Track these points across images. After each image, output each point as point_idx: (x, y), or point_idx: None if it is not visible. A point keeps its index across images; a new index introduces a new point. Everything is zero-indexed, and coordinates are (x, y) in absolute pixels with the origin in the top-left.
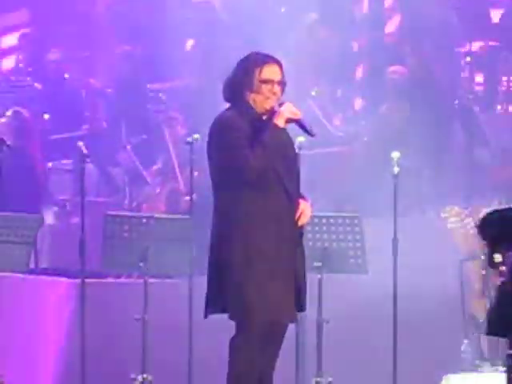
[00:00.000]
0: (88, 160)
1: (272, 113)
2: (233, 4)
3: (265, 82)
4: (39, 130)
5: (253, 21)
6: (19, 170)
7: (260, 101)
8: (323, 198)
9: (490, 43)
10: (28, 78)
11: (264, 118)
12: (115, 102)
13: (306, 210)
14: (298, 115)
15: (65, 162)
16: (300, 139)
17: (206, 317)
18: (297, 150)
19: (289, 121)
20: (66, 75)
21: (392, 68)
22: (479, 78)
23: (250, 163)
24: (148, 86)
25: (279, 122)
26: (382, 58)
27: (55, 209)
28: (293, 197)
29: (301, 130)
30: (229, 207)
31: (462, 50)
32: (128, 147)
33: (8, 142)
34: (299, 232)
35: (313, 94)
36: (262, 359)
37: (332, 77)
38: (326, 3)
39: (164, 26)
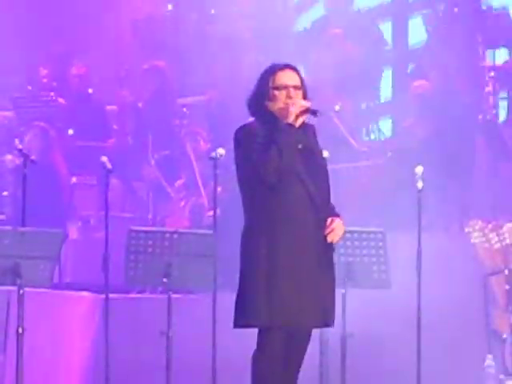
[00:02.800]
0: (112, 175)
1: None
2: (256, 20)
3: (278, 88)
4: (63, 145)
5: (276, 36)
6: (44, 185)
7: (279, 108)
8: (347, 212)
9: None
10: (51, 93)
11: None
12: (142, 116)
13: (337, 229)
14: (306, 106)
15: (89, 177)
16: (324, 154)
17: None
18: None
19: (300, 115)
20: (90, 90)
21: (416, 83)
22: (503, 94)
23: (262, 164)
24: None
25: (290, 120)
26: (406, 73)
27: (79, 224)
28: (316, 198)
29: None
30: (251, 212)
31: (486, 64)
32: (152, 162)
33: (32, 157)
34: (327, 243)
35: (336, 108)
36: (285, 370)
37: (356, 92)
38: (351, 19)
39: (189, 40)
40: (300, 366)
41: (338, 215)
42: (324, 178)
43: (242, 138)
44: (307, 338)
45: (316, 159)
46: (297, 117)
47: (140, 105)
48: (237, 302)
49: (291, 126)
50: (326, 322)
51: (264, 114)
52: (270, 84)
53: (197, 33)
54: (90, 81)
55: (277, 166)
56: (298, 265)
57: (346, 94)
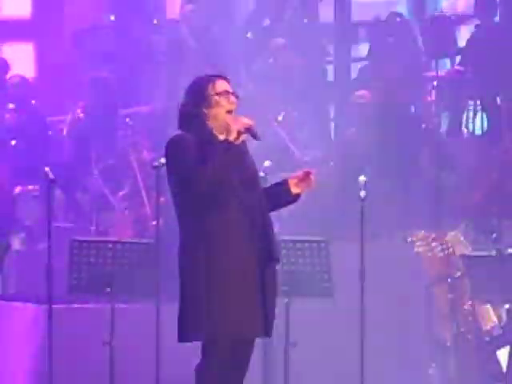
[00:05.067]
0: (55, 185)
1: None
2: (200, 29)
3: (220, 93)
4: (6, 156)
5: (220, 46)
6: None
7: (221, 114)
8: (290, 222)
9: (456, 67)
10: None
11: (221, 137)
12: (84, 127)
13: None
14: (248, 124)
15: (31, 187)
16: (266, 163)
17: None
18: (262, 174)
19: (241, 133)
20: (33, 101)
21: (358, 93)
22: (446, 102)
23: (196, 179)
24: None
25: (231, 137)
26: (348, 83)
27: (22, 234)
28: (252, 210)
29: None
30: (187, 224)
31: (429, 74)
32: (95, 172)
33: None
34: (268, 251)
35: (279, 118)
36: (229, 380)
37: (299, 102)
38: (294, 29)
39: (131, 50)
40: (244, 376)
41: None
42: (258, 190)
43: (174, 149)
44: (250, 348)
45: (249, 171)
46: (238, 134)
47: (81, 115)
48: (179, 317)
49: (229, 142)
50: (266, 331)
51: (197, 126)
52: (210, 91)
53: (141, 42)
54: (31, 92)
55: (209, 181)
56: (235, 276)
57: (288, 103)
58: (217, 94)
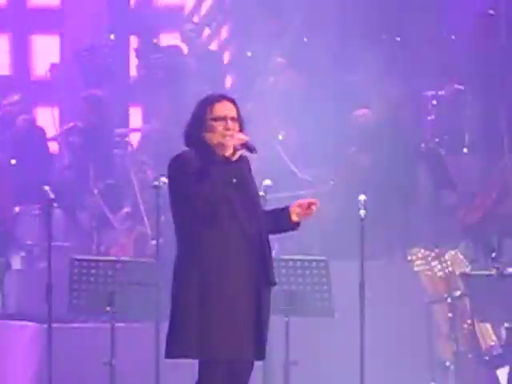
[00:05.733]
0: (55, 205)
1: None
2: (200, 49)
3: (216, 119)
4: (6, 175)
5: (220, 65)
6: None
7: (216, 139)
8: (290, 241)
9: (456, 86)
10: None
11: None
12: (82, 146)
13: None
14: (244, 139)
15: (32, 206)
16: (266, 182)
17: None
18: (262, 193)
19: (237, 149)
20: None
21: (359, 112)
22: (446, 121)
23: (194, 196)
24: (115, 130)
25: (227, 153)
26: (348, 102)
27: (22, 253)
28: (250, 230)
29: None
30: (183, 242)
31: (429, 93)
32: (95, 191)
33: None
34: (266, 274)
35: (280, 137)
36: None
37: (299, 120)
38: (294, 47)
39: (130, 69)
40: None
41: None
42: (257, 210)
43: (176, 168)
44: (247, 369)
45: (249, 192)
46: (234, 151)
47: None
48: (168, 333)
49: (227, 159)
50: (259, 355)
51: (200, 145)
52: (208, 115)
53: (140, 61)
54: (27, 110)
55: (207, 199)
56: (228, 296)
57: (289, 122)
58: (213, 118)
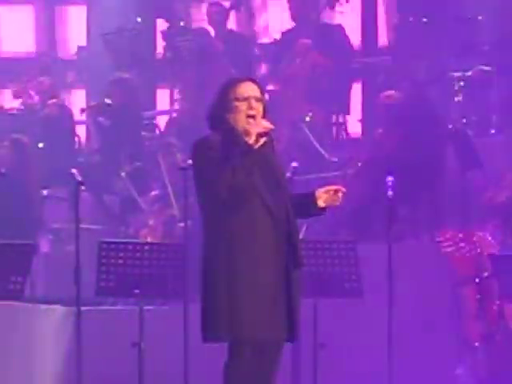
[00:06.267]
0: (83, 188)
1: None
2: (227, 32)
3: (239, 99)
4: (34, 158)
5: (247, 47)
6: (15, 197)
7: (240, 120)
8: (318, 223)
9: (483, 67)
10: (22, 107)
11: (248, 139)
12: (110, 129)
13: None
14: (268, 128)
15: (60, 190)
16: (294, 164)
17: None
18: (289, 175)
19: (260, 136)
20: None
21: (386, 93)
22: (473, 102)
23: (218, 182)
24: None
25: (250, 141)
26: (376, 83)
27: (50, 237)
28: (276, 213)
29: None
30: (210, 228)
31: (456, 74)
32: (123, 174)
33: (2, 170)
34: (293, 255)
35: (307, 119)
36: (256, 381)
37: (326, 102)
38: (320, 30)
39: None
40: (273, 378)
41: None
42: (283, 193)
43: (200, 154)
44: (277, 351)
45: (274, 175)
46: (257, 138)
47: (103, 120)
48: (201, 318)
49: (249, 145)
50: (289, 335)
51: (224, 127)
52: (231, 96)
53: (167, 44)
54: (58, 93)
55: (231, 185)
56: (257, 279)
57: (316, 104)
58: (236, 98)
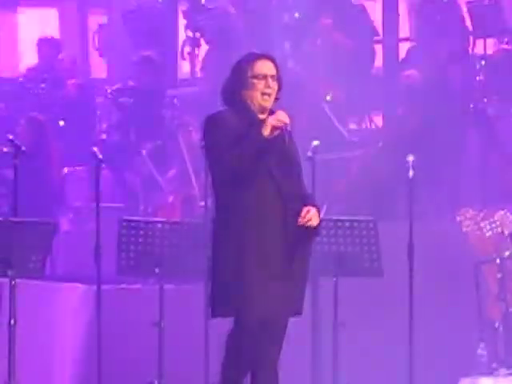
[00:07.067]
0: (103, 166)
1: (270, 112)
2: (247, 10)
3: (257, 77)
4: (54, 136)
5: (267, 26)
6: (35, 176)
7: (256, 97)
8: (338, 202)
9: (504, 46)
10: (42, 85)
11: (261, 116)
12: (130, 107)
13: (313, 219)
14: (284, 122)
15: (80, 168)
16: (315, 143)
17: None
18: (310, 154)
19: (274, 129)
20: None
21: (407, 72)
22: (494, 82)
23: (226, 162)
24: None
25: (265, 132)
26: (396, 63)
27: (71, 215)
28: (287, 192)
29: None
30: (220, 203)
31: (477, 53)
32: (143, 152)
33: (23, 148)
34: (304, 234)
35: (328, 98)
36: (262, 358)
37: (347, 82)
38: (340, 8)
39: (178, 31)
40: (279, 350)
41: (314, 205)
42: (295, 172)
43: (210, 129)
44: (283, 326)
45: (285, 152)
46: (272, 130)
47: (125, 100)
48: (210, 293)
49: (263, 120)
50: (296, 310)
51: (239, 103)
52: (248, 73)
53: (187, 22)
54: (79, 71)
55: (244, 160)
56: (266, 254)
57: (336, 84)
58: (254, 76)
